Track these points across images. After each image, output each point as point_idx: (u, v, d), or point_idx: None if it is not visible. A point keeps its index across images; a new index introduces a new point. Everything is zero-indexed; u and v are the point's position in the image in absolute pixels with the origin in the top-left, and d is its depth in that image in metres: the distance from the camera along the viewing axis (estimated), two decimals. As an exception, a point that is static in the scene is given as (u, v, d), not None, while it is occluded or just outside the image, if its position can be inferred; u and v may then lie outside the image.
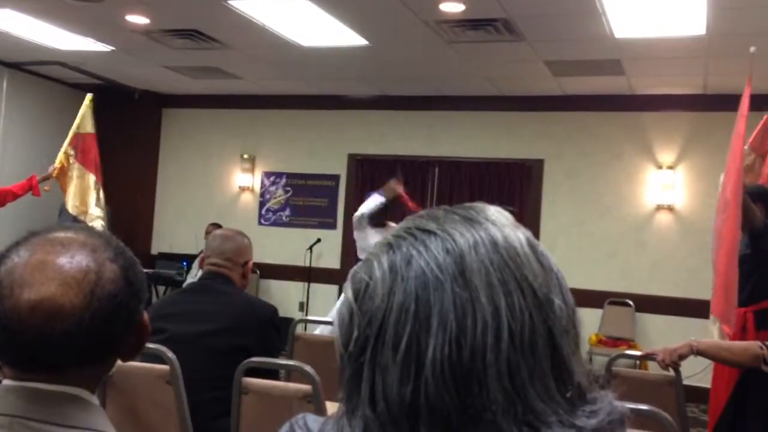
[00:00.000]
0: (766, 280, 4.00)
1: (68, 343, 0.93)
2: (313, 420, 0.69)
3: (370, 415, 0.61)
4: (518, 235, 0.65)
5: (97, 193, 5.61)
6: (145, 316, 1.03)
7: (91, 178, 5.59)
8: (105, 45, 6.39)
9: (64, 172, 5.51)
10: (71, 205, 5.49)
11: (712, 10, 4.53)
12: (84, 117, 5.66)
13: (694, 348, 2.69)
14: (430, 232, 0.64)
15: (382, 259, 0.64)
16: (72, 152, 5.54)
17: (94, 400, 1.00)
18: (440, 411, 0.59)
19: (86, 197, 5.56)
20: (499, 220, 0.66)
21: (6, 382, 0.97)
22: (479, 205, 0.68)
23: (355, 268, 0.67)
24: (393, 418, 0.60)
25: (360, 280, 0.65)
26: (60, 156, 5.53)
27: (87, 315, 0.93)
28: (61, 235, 0.99)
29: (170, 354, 2.30)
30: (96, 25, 5.81)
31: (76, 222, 5.37)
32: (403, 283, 0.62)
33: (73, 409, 0.96)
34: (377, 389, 0.61)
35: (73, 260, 0.96)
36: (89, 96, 5.74)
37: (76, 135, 5.61)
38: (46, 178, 5.50)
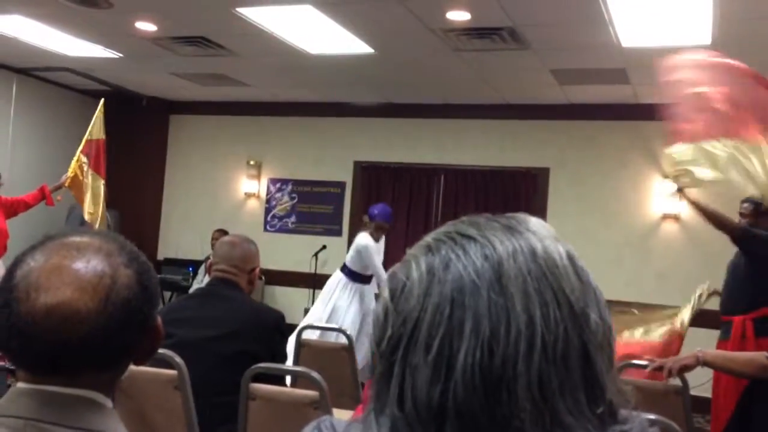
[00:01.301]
0: (763, 287, 4.01)
1: (83, 347, 0.94)
2: (338, 422, 0.70)
3: (398, 414, 0.61)
4: (558, 247, 0.65)
5: (105, 197, 5.67)
6: (159, 320, 1.04)
7: (102, 183, 5.64)
8: (113, 52, 6.42)
9: (77, 181, 5.54)
10: (87, 212, 5.53)
11: (718, 20, 4.54)
12: (96, 123, 5.72)
13: (700, 359, 2.69)
14: (470, 238, 0.65)
15: (420, 261, 0.65)
16: (85, 160, 5.59)
17: (109, 403, 1.01)
18: (468, 415, 0.59)
19: (99, 202, 5.62)
20: (539, 231, 0.66)
21: (20, 384, 0.98)
22: (521, 215, 0.69)
23: (393, 268, 0.68)
24: (420, 419, 0.60)
25: (398, 280, 0.65)
26: (73, 164, 5.57)
27: (102, 319, 0.94)
28: (76, 239, 1.00)
29: (178, 359, 2.30)
30: (104, 32, 5.84)
31: (83, 226, 5.40)
32: (439, 286, 0.62)
33: (87, 412, 0.97)
34: (406, 389, 0.61)
35: (89, 265, 0.97)
36: (102, 101, 5.80)
37: (89, 142, 5.66)
38: (59, 188, 5.53)
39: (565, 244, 0.66)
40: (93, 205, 5.57)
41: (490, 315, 0.60)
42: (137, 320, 0.99)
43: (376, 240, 5.93)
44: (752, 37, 4.88)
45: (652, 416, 1.91)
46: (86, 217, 5.52)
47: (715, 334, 4.34)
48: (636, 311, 4.22)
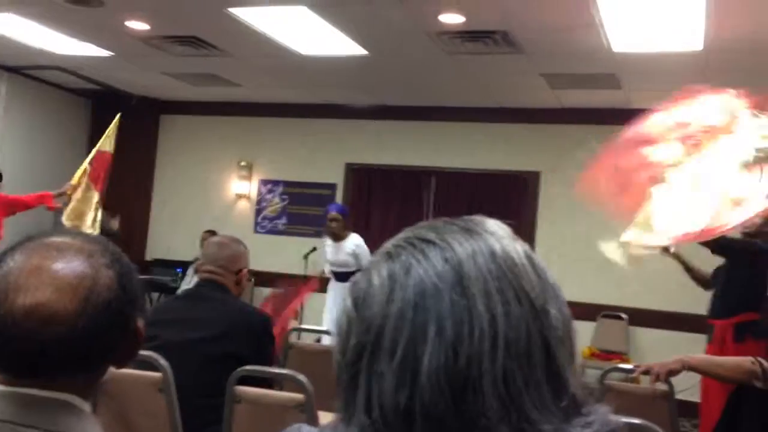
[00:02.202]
0: (742, 294, 4.06)
1: (62, 349, 0.93)
2: (308, 430, 0.70)
3: (366, 421, 0.61)
4: (516, 246, 0.66)
5: (95, 213, 5.62)
6: (140, 323, 1.03)
7: (95, 197, 5.61)
8: (104, 50, 6.39)
9: (76, 188, 5.54)
10: (66, 216, 5.49)
11: (711, 25, 4.56)
12: (108, 136, 5.73)
13: (686, 364, 2.69)
14: (429, 242, 0.65)
15: (381, 268, 0.65)
16: (89, 169, 5.61)
17: (87, 407, 1.00)
18: (435, 417, 0.59)
19: (85, 214, 5.57)
20: (497, 232, 0.67)
21: (-2, 387, 0.97)
22: (478, 217, 0.69)
23: (355, 276, 0.68)
24: (388, 425, 0.60)
25: (360, 288, 0.66)
26: (79, 173, 5.57)
27: (81, 321, 0.93)
28: (57, 240, 0.99)
29: (163, 361, 2.29)
30: (95, 31, 5.82)
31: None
32: (401, 291, 0.62)
33: (65, 415, 0.95)
34: (373, 396, 0.61)
35: (69, 266, 0.95)
36: (118, 117, 5.77)
37: (99, 153, 5.67)
38: (61, 194, 5.52)
39: (523, 243, 0.67)
40: (75, 213, 5.51)
41: (453, 317, 0.60)
42: (118, 322, 0.98)
43: (331, 237, 6.23)
44: (744, 43, 4.90)
45: (636, 420, 1.91)
46: (64, 219, 5.48)
47: (702, 338, 4.37)
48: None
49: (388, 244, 0.68)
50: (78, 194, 5.54)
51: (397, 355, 0.60)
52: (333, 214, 6.22)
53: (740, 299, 4.11)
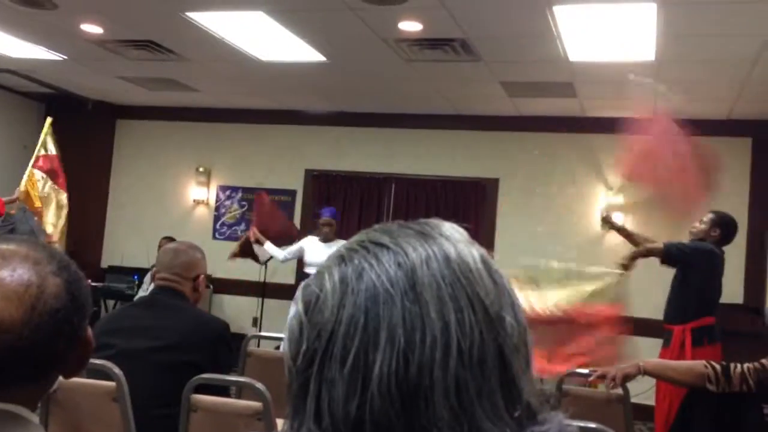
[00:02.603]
0: (698, 299, 4.16)
1: (7, 358, 0.91)
2: None
3: (315, 430, 0.60)
4: (472, 251, 0.64)
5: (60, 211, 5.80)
6: (89, 332, 1.01)
7: (65, 197, 5.80)
8: (57, 54, 6.27)
9: (30, 196, 5.67)
10: (49, 224, 5.66)
11: (661, 36, 4.67)
12: (45, 141, 5.83)
13: (641, 368, 2.74)
14: (382, 246, 0.63)
15: (333, 272, 0.63)
16: (39, 176, 5.75)
17: (34, 418, 0.97)
18: (385, 427, 0.58)
19: (62, 215, 5.78)
20: (453, 236, 0.65)
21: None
22: (434, 220, 0.67)
23: (306, 280, 0.66)
24: None
25: (311, 292, 0.64)
26: (24, 180, 5.68)
27: (27, 330, 0.91)
28: (2, 247, 0.96)
29: (117, 370, 2.24)
30: (48, 34, 5.70)
31: (33, 234, 5.37)
32: (353, 296, 0.61)
33: (11, 426, 0.93)
34: (323, 404, 0.60)
35: (15, 273, 0.93)
36: (49, 120, 5.83)
37: (43, 157, 5.77)
38: (12, 201, 5.63)
39: (479, 248, 0.66)
40: (56, 218, 5.68)
41: (404, 324, 0.59)
42: (65, 331, 0.95)
43: (323, 239, 6.33)
44: (693, 54, 5.03)
45: (592, 424, 1.93)
46: (48, 229, 5.60)
47: (658, 342, 4.45)
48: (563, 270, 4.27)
49: (342, 247, 0.66)
50: (52, 200, 5.71)
51: (348, 362, 0.59)
52: (327, 218, 6.33)
53: (696, 304, 4.19)
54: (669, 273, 4.48)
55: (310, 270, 6.31)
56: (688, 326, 4.13)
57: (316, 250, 6.28)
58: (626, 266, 4.16)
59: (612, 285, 3.94)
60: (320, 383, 0.60)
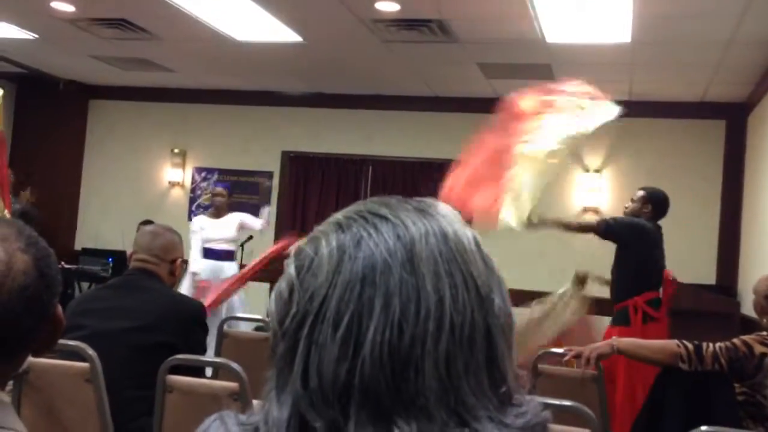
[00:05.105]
0: (636, 274, 4.23)
1: (-25, 337, 0.89)
2: (226, 414, 0.68)
3: (301, 391, 0.60)
4: (466, 232, 0.66)
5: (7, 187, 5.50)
6: (59, 309, 0.99)
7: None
8: (28, 32, 6.14)
9: None
10: None
11: (637, 18, 4.68)
12: None
13: (615, 347, 2.78)
14: (382, 217, 0.64)
15: (330, 237, 0.64)
16: None
17: (5, 397, 0.96)
18: (374, 393, 0.59)
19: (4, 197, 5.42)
20: (449, 215, 0.67)
21: None
22: (430, 199, 0.69)
23: (299, 243, 0.67)
24: (324, 396, 0.59)
25: (305, 255, 0.64)
26: None
27: (-5, 308, 0.89)
28: (-32, 225, 0.95)
29: (90, 351, 2.22)
30: (18, 12, 5.58)
31: None
32: (350, 262, 0.61)
33: (-20, 406, 0.91)
34: (312, 366, 0.60)
35: (-19, 251, 0.91)
36: (1, 93, 5.60)
37: None
38: None
39: (472, 230, 0.67)
40: None
41: (400, 294, 0.60)
42: (34, 308, 0.94)
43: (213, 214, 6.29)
44: (669, 36, 5.06)
45: (567, 402, 1.95)
46: None
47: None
48: (534, 306, 4.43)
49: (339, 215, 0.67)
50: None
51: (341, 327, 0.60)
52: (220, 189, 6.35)
53: (636, 279, 4.25)
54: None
55: (211, 245, 6.17)
56: (634, 302, 4.21)
57: (209, 227, 6.16)
58: (581, 281, 4.25)
59: (570, 307, 4.09)
60: (310, 346, 0.61)
